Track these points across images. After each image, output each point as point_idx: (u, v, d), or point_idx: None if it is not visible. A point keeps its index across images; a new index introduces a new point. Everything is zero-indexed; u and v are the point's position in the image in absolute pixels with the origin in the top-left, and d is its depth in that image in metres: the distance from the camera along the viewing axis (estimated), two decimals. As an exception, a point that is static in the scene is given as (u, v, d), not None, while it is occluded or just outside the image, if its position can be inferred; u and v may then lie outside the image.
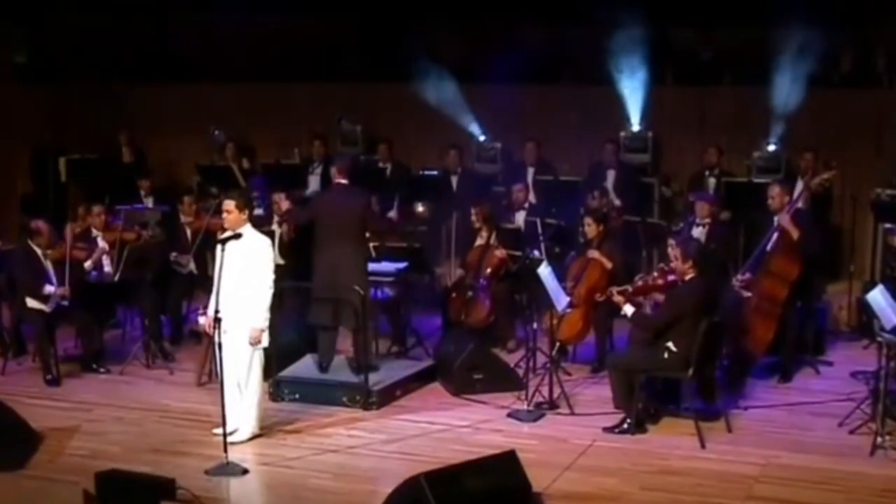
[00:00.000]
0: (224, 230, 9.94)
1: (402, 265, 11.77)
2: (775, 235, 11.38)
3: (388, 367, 11.38)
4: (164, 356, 12.04)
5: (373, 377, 10.78)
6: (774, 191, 11.63)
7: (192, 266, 12.77)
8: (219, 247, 9.27)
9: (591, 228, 11.76)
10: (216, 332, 9.18)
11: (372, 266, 11.50)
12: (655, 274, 10.45)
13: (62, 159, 16.09)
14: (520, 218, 13.41)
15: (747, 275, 11.36)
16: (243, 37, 17.29)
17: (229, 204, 9.58)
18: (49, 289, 11.43)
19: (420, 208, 14.42)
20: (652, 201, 14.47)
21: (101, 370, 11.76)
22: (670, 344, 9.71)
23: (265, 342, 9.66)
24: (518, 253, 12.13)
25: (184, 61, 17.76)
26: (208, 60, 17.56)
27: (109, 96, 17.40)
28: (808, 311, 11.80)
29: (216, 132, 16.34)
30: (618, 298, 10.14)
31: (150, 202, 14.95)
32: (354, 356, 11.04)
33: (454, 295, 12.38)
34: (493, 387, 10.90)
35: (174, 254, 12.68)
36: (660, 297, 10.34)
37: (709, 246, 12.13)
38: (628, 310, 10.04)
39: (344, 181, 10.94)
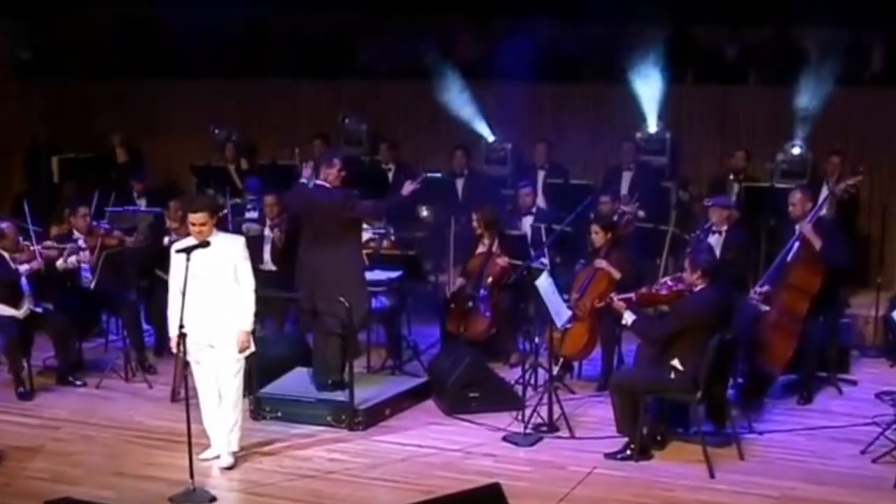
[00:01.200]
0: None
1: (394, 274, 11.02)
2: (796, 245, 10.60)
3: (380, 383, 10.65)
4: (144, 368, 11.35)
5: (360, 394, 10.06)
6: (796, 197, 10.85)
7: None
8: (180, 257, 8.56)
9: (598, 236, 11.00)
10: (181, 349, 8.56)
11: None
12: (669, 282, 9.65)
13: (55, 158, 15.46)
14: (527, 223, 12.65)
15: (766, 287, 10.57)
16: (246, 32, 16.68)
17: (199, 216, 8.69)
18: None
19: (424, 212, 13.67)
20: (669, 206, 13.64)
21: (78, 383, 11.11)
22: (676, 362, 8.95)
23: (253, 347, 8.98)
24: (522, 261, 11.39)
25: (184, 57, 17.10)
26: (210, 56, 16.91)
27: (108, 93, 16.77)
28: (832, 326, 10.98)
29: (216, 130, 15.69)
30: (618, 305, 9.40)
31: (142, 204, 14.30)
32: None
33: (453, 305, 11.62)
34: (490, 406, 10.16)
35: None
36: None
37: (725, 255, 11.43)
38: (629, 318, 9.30)
39: (325, 182, 10.19)
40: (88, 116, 16.71)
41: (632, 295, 9.54)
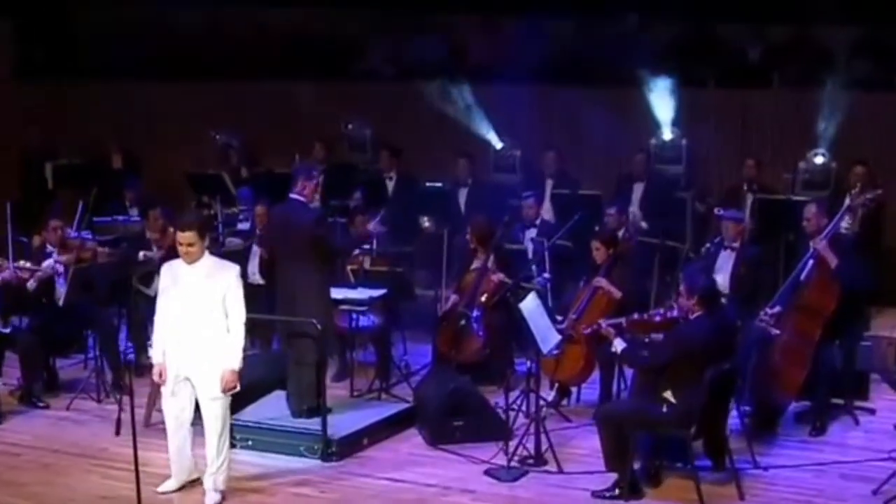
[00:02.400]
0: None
1: (377, 293, 10.33)
2: (810, 263, 9.85)
3: (361, 409, 9.99)
4: (119, 389, 10.72)
5: (337, 423, 9.42)
6: (810, 211, 10.12)
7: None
8: (166, 275, 8.03)
9: (598, 252, 10.29)
10: (163, 378, 8.06)
11: (346, 293, 10.16)
12: (663, 309, 8.94)
13: (48, 165, 14.89)
14: (530, 237, 11.97)
15: (777, 308, 9.81)
16: (250, 32, 16.12)
17: (188, 236, 7.96)
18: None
19: (426, 223, 13.01)
20: (685, 218, 12.92)
21: (41, 404, 10.54)
22: (668, 395, 8.21)
23: (238, 387, 8.27)
24: (520, 278, 10.72)
25: (186, 58, 16.57)
26: (213, 57, 16.37)
27: (108, 96, 16.25)
28: (849, 350, 10.18)
29: (217, 136, 15.11)
30: (607, 331, 8.69)
31: (135, 213, 13.69)
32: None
33: (444, 324, 10.93)
34: (476, 436, 9.44)
35: None
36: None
37: (737, 272, 10.70)
38: (618, 345, 8.60)
39: (299, 196, 9.55)
40: (87, 120, 16.19)
41: (621, 320, 8.83)
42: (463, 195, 13.36)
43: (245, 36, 16.60)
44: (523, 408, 9.68)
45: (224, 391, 8.09)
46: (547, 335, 9.01)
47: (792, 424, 9.91)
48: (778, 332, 9.73)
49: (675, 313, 8.63)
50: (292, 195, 9.58)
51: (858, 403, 10.29)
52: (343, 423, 9.48)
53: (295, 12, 16.47)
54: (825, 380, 9.80)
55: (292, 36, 16.46)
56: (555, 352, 9.34)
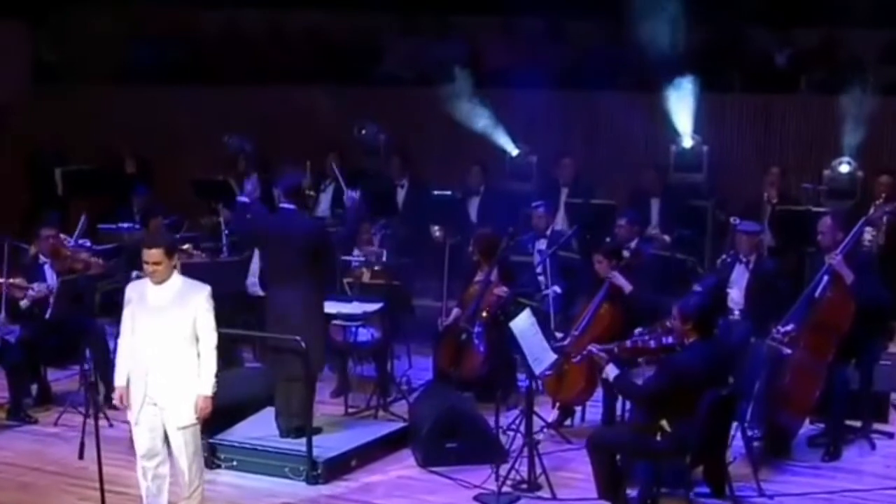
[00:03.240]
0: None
1: (372, 307, 9.94)
2: (825, 279, 9.37)
3: (353, 428, 9.60)
4: (109, 403, 10.38)
5: (326, 443, 9.06)
6: (825, 225, 9.68)
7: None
8: (132, 295, 7.60)
9: (601, 266, 9.83)
10: (125, 402, 7.65)
11: (341, 307, 9.79)
12: (656, 333, 8.48)
13: (58, 170, 14.62)
14: (538, 248, 11.54)
15: (790, 326, 9.34)
16: (265, 36, 15.82)
17: (154, 254, 7.51)
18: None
19: (437, 233, 12.62)
20: (704, 228, 12.43)
21: (29, 420, 10.24)
22: (664, 422, 7.76)
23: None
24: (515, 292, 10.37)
25: (204, 63, 16.31)
26: (231, 61, 16.08)
27: (125, 100, 15.96)
28: (867, 370, 9.68)
29: (229, 140, 14.77)
30: (599, 357, 8.23)
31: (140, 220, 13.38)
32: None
33: (445, 339, 10.52)
34: (470, 458, 9.02)
35: None
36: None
37: (752, 288, 10.23)
38: (610, 372, 8.12)
39: (289, 205, 9.20)
40: (105, 124, 15.91)
41: (613, 346, 8.38)
42: (475, 204, 12.96)
43: (264, 40, 16.31)
44: (522, 428, 9.26)
45: (198, 419, 7.65)
46: (541, 355, 8.56)
47: (804, 449, 9.43)
48: (790, 351, 9.27)
49: (670, 340, 8.16)
50: (282, 205, 9.23)
51: (877, 426, 9.79)
52: (331, 444, 9.11)
53: (315, 15, 16.15)
54: (840, 401, 9.33)
55: (311, 40, 16.14)
56: (547, 372, 8.88)
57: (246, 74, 15.86)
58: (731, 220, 10.69)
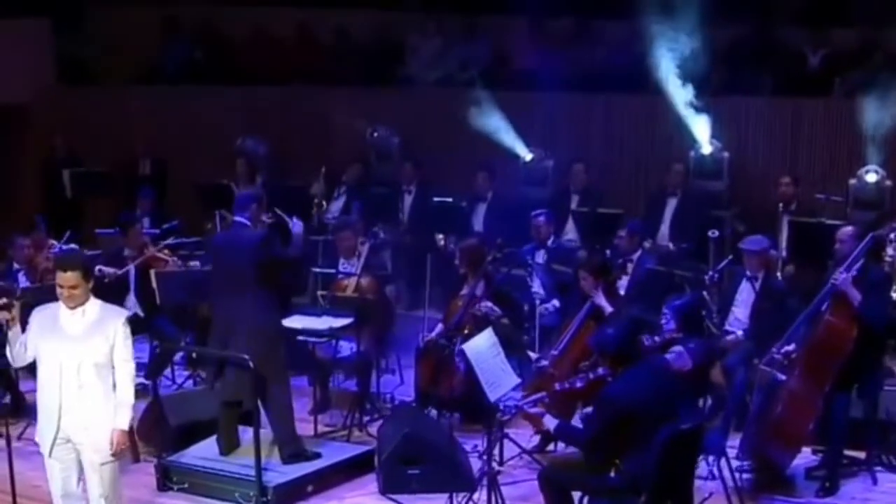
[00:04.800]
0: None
1: (340, 322, 9.41)
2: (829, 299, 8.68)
3: (320, 449, 9.06)
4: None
5: (282, 466, 8.57)
6: (845, 233, 9.19)
7: (138, 308, 10.75)
8: (40, 322, 7.03)
9: (585, 283, 9.22)
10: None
11: (307, 321, 9.29)
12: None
13: (66, 172, 14.30)
14: (540, 260, 10.97)
15: (792, 346, 8.68)
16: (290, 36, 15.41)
17: (71, 277, 6.94)
18: None
19: (441, 241, 12.09)
20: (723, 240, 11.71)
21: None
22: (618, 460, 7.12)
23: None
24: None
25: (227, 63, 15.93)
26: (255, 62, 15.68)
27: (146, 100, 15.65)
28: (871, 398, 8.95)
29: (242, 142, 14.38)
30: (533, 412, 7.45)
31: (146, 224, 12.99)
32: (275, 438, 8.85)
33: (425, 356, 9.97)
34: (435, 486, 8.46)
35: None
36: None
37: (758, 307, 9.55)
38: (549, 423, 7.37)
39: (243, 219, 8.75)
40: (124, 124, 15.60)
41: (543, 395, 7.71)
42: (481, 211, 12.38)
43: (291, 40, 15.89)
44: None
45: (114, 455, 7.11)
46: (500, 380, 7.95)
47: (801, 481, 8.74)
48: (784, 377, 8.60)
49: (601, 372, 7.51)
50: (237, 218, 8.78)
51: (880, 458, 9.05)
52: (287, 468, 8.62)
53: (339, 13, 15.70)
54: (838, 431, 8.64)
55: (338, 40, 15.68)
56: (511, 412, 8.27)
57: (271, 75, 15.44)
58: (710, 233, 9.99)
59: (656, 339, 8.19)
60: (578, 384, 7.84)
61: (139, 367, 10.47)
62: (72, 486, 7.22)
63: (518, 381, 8.26)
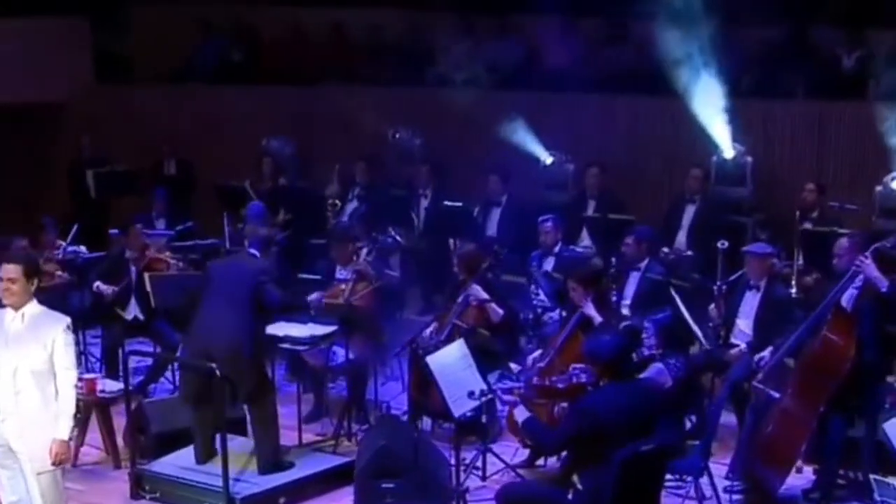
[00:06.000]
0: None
1: (323, 329, 9.17)
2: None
3: (299, 459, 8.85)
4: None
5: (254, 477, 8.38)
6: (841, 247, 8.75)
7: (138, 311, 10.64)
8: None
9: (575, 293, 8.92)
10: None
11: (289, 328, 9.09)
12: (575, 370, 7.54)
13: (89, 172, 14.23)
14: (547, 267, 10.67)
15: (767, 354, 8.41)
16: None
17: (11, 270, 6.83)
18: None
19: (454, 246, 11.82)
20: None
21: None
22: (576, 479, 6.83)
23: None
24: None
25: (264, 62, 15.81)
26: (289, 62, 15.53)
27: (179, 99, 15.58)
28: (871, 419, 8.51)
29: (268, 143, 14.22)
30: (506, 399, 7.28)
31: (161, 225, 12.89)
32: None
33: (416, 363, 9.67)
34: (409, 500, 8.16)
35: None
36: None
37: (761, 317, 9.18)
38: (519, 414, 7.17)
39: (253, 252, 8.79)
40: (157, 123, 15.52)
41: (519, 385, 7.45)
42: (495, 215, 12.09)
43: (323, 39, 15.72)
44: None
45: (54, 464, 6.90)
46: (461, 390, 7.65)
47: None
48: (778, 395, 8.23)
49: (584, 379, 7.22)
50: (249, 250, 8.88)
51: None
52: (262, 478, 8.43)
53: (373, 13, 15.50)
54: (833, 452, 8.23)
55: (371, 39, 15.48)
56: (469, 414, 7.98)
57: (303, 75, 15.28)
58: (719, 244, 9.60)
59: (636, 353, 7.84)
60: (560, 384, 7.59)
61: (138, 371, 10.68)
62: (22, 492, 7.03)
63: (487, 397, 7.91)
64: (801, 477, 8.56)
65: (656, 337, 8.14)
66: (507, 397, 7.28)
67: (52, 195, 15.46)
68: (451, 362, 7.71)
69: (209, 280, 8.73)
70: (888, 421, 7.16)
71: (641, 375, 7.74)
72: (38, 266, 7.28)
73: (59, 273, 10.51)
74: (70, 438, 6.97)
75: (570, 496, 6.83)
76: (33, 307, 6.90)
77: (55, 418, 6.86)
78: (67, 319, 6.98)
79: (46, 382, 6.84)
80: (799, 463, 8.55)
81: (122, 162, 14.93)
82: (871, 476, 7.35)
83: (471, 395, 7.45)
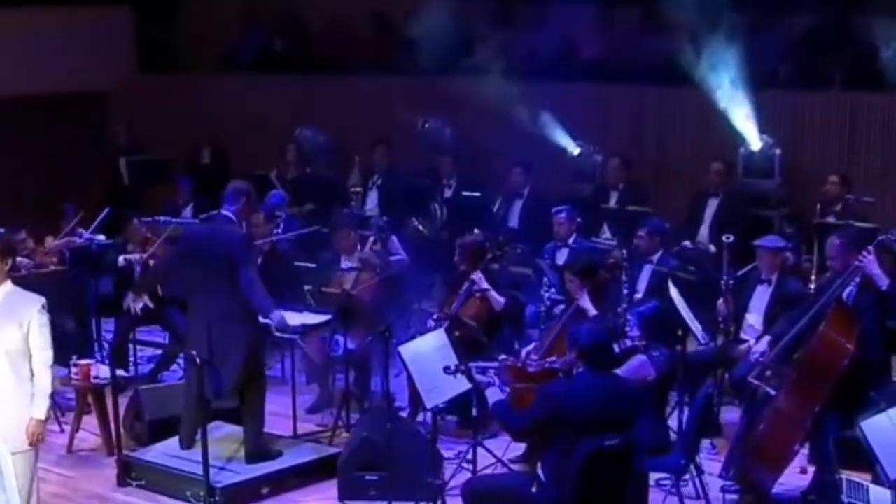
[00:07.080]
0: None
1: (315, 319, 9.04)
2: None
3: (287, 449, 8.74)
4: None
5: (238, 467, 8.29)
6: (833, 247, 8.38)
7: (146, 300, 10.56)
8: None
9: (571, 285, 8.72)
10: None
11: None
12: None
13: (122, 160, 14.26)
14: (560, 259, 10.46)
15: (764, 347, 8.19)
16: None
17: None
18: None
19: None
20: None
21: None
22: (540, 472, 6.65)
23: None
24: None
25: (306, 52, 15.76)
26: (331, 51, 15.46)
27: (225, 89, 15.56)
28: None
29: (301, 132, 14.15)
30: (479, 379, 7.10)
31: (188, 213, 12.86)
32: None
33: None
34: (396, 494, 8.01)
35: None
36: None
37: (771, 311, 8.92)
38: (491, 397, 6.99)
39: (228, 213, 8.45)
40: (199, 112, 15.51)
41: (495, 364, 7.27)
42: (517, 207, 11.89)
43: (366, 29, 15.61)
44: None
45: (31, 444, 6.83)
46: (441, 385, 7.50)
47: (797, 505, 8.09)
48: (774, 392, 7.96)
49: (556, 365, 7.02)
50: (223, 211, 8.49)
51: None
52: (246, 467, 8.35)
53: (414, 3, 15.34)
54: (829, 451, 7.94)
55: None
56: (441, 405, 7.80)
57: (344, 64, 15.18)
58: (724, 238, 9.32)
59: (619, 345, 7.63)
60: (531, 368, 7.42)
61: (150, 359, 10.68)
62: None
63: (465, 388, 7.72)
64: (804, 478, 8.30)
65: (640, 328, 7.90)
66: (480, 377, 7.09)
67: (91, 183, 15.53)
68: (427, 353, 7.56)
69: (187, 253, 8.62)
70: (866, 420, 6.82)
71: (623, 366, 7.50)
72: (10, 246, 7.23)
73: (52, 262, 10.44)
74: (47, 418, 6.91)
75: (533, 489, 6.65)
76: (7, 286, 6.85)
77: (31, 398, 6.80)
78: (42, 300, 6.89)
79: (21, 363, 6.78)
80: (804, 464, 8.37)
81: (163, 151, 14.97)
82: (842, 476, 7.02)
83: (446, 369, 7.27)
